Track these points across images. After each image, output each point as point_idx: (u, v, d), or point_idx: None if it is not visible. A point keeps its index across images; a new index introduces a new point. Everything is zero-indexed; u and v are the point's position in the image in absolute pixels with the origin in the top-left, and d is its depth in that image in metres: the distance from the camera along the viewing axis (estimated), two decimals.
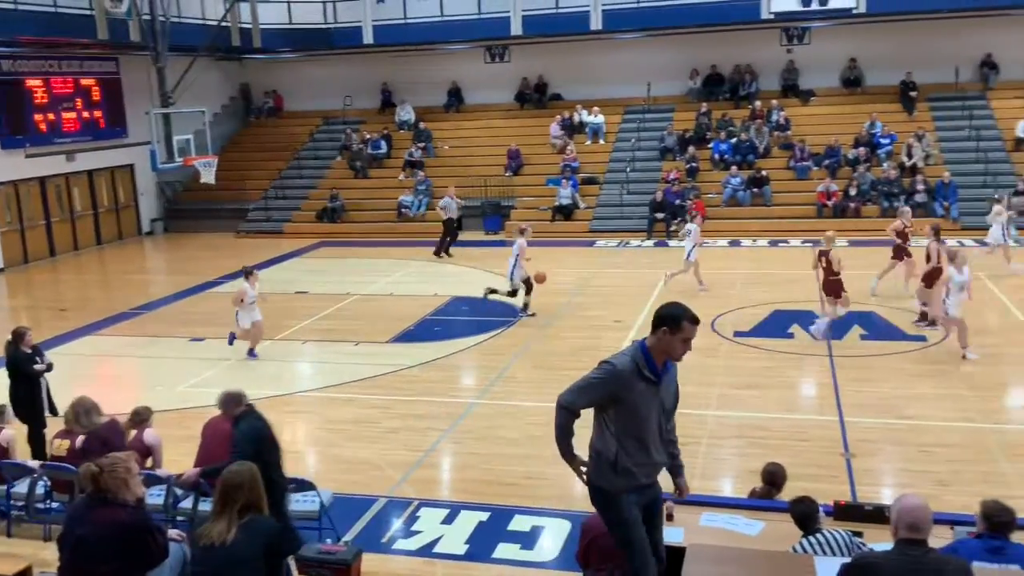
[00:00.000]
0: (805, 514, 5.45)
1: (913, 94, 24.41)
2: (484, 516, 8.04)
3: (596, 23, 24.90)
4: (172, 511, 7.42)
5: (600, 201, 23.97)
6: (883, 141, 23.29)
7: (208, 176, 22.30)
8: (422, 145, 26.53)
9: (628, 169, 24.67)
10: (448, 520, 8.02)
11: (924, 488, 8.13)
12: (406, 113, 28.10)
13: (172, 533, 5.87)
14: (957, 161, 22.55)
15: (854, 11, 22.76)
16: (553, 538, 7.64)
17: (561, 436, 4.98)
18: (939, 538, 4.85)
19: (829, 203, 21.89)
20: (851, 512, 5.82)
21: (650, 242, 21.98)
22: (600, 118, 26.05)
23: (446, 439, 10.02)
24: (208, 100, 25.75)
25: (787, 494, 6.94)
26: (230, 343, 13.30)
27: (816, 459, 8.95)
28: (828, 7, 22.82)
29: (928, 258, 13.26)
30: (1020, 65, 24.31)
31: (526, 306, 15.12)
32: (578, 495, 8.59)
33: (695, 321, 4.89)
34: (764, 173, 23.06)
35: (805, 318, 14.09)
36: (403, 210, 24.57)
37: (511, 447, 9.67)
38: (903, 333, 13.21)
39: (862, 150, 22.97)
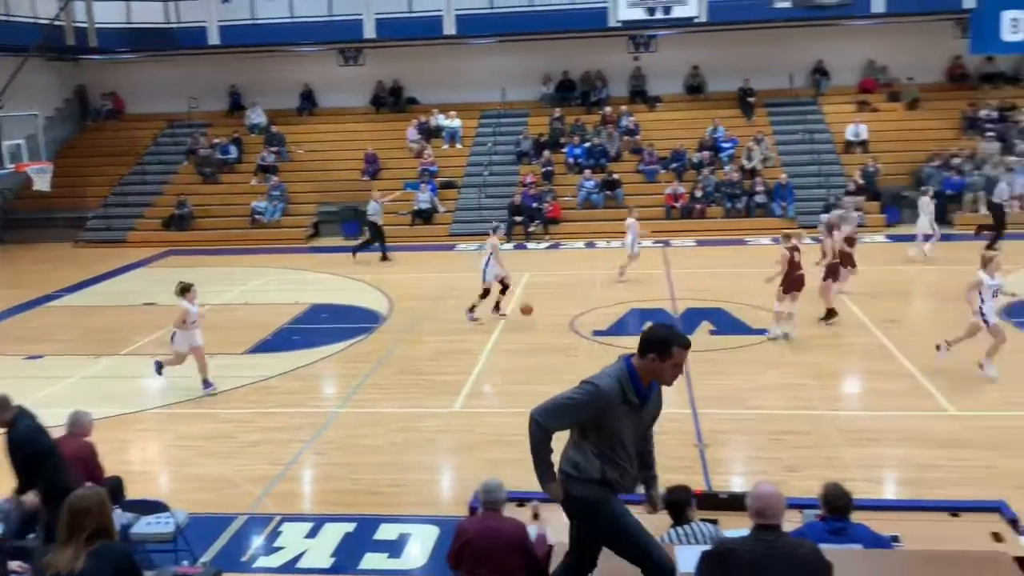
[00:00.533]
0: (676, 503, 5.63)
1: (751, 100, 25.71)
2: (350, 527, 7.91)
3: (450, 28, 24.99)
4: (14, 539, 6.92)
5: (459, 205, 24.06)
6: (725, 145, 24.42)
7: (42, 183, 20.93)
8: (275, 149, 25.87)
9: (486, 173, 24.88)
10: (312, 534, 7.84)
11: (774, 474, 8.56)
12: (257, 116, 27.31)
13: (13, 565, 5.48)
14: (793, 163, 23.92)
15: (696, 21, 23.75)
16: (421, 545, 7.59)
17: (537, 457, 4.67)
18: (790, 522, 5.11)
19: (677, 204, 22.76)
20: (707, 501, 6.05)
21: (509, 245, 22.18)
22: (457, 122, 26.14)
23: (308, 450, 9.80)
24: (41, 103, 24.18)
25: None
26: (158, 372, 11.71)
27: (672, 451, 9.24)
28: (671, 16, 23.71)
29: (824, 255, 13.88)
30: (848, 72, 26.04)
31: (498, 305, 14.88)
32: (444, 500, 8.63)
33: (686, 346, 4.62)
34: (616, 176, 23.75)
35: (660, 316, 14.58)
36: (257, 216, 23.88)
37: (375, 455, 9.55)
38: (749, 327, 13.87)
39: (706, 154, 24.02)
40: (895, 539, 5.33)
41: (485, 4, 24.85)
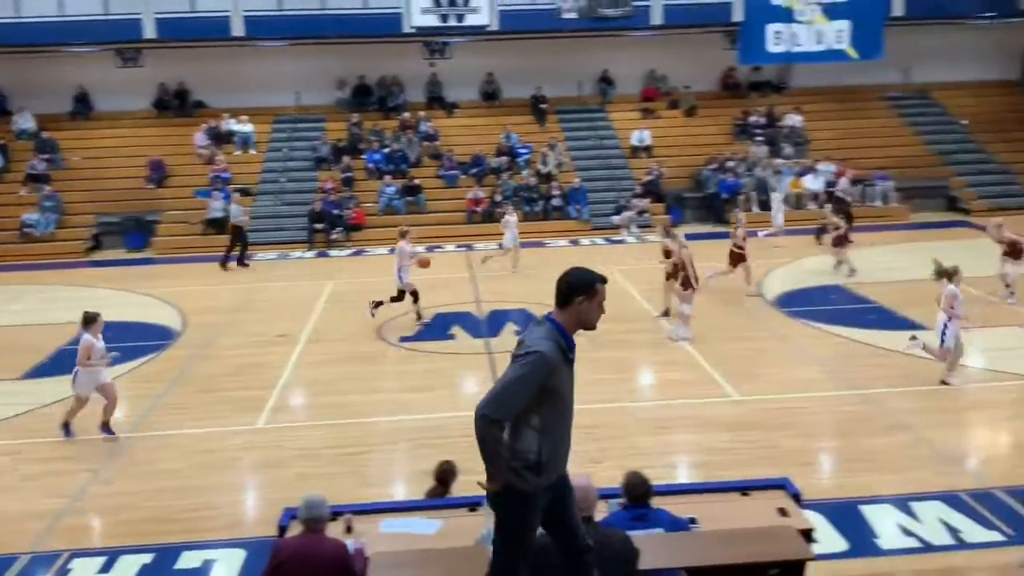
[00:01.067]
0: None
1: (544, 106, 26.51)
2: (147, 558, 7.42)
3: (238, 29, 24.08)
4: None
5: (254, 212, 23.16)
6: (521, 151, 25.04)
7: None
8: (47, 157, 23.90)
9: (282, 179, 24.17)
10: (106, 568, 7.31)
11: (580, 466, 8.77)
12: (25, 121, 25.12)
13: None
14: (585, 168, 24.89)
15: (488, 29, 24.23)
16: (227, 570, 7.25)
17: (495, 451, 4.36)
18: (598, 512, 5.30)
19: (478, 209, 23.08)
20: None
21: (311, 253, 21.72)
22: (249, 127, 25.23)
23: (96, 481, 9.12)
24: None
25: (460, 488, 7.22)
26: (67, 434, 10.10)
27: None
28: (465, 24, 24.07)
29: (667, 254, 14.30)
30: (631, 81, 27.38)
31: (419, 315, 14.61)
32: (252, 521, 8.28)
33: (605, 280, 4.57)
34: (417, 182, 23.77)
35: (464, 320, 14.74)
36: (27, 229, 21.95)
37: (173, 480, 9.02)
38: None
39: (504, 159, 24.53)
40: (693, 521, 5.63)
41: (274, 5, 24.15)
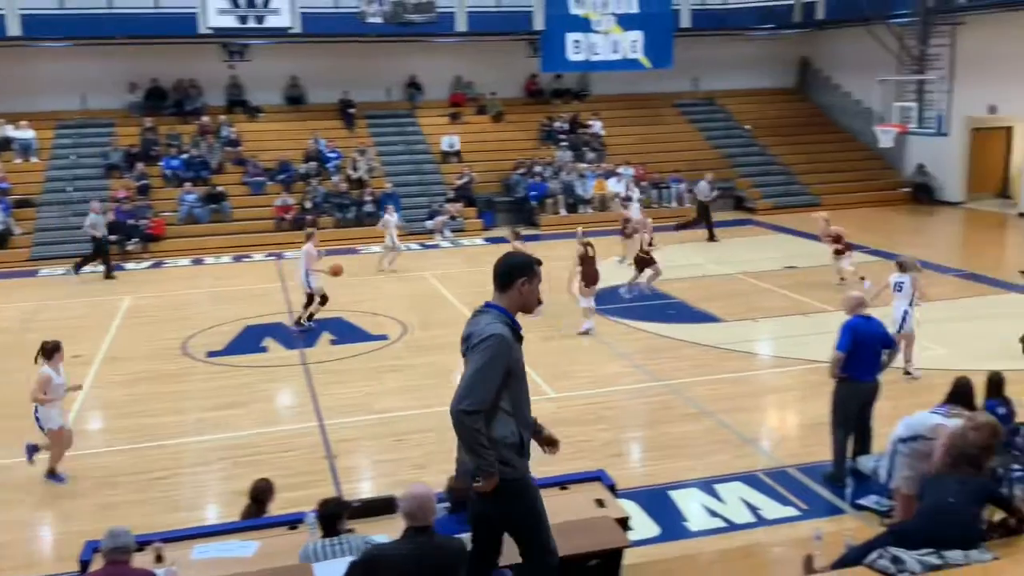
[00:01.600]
0: (332, 515, 5.52)
1: (352, 111, 26.19)
2: None
3: (14, 28, 22.23)
4: None
5: (39, 225, 21.51)
6: (331, 156, 24.60)
7: None
8: None
9: (69, 189, 22.52)
10: None
11: (403, 474, 8.81)
12: None
13: None
14: (397, 173, 24.80)
15: (291, 31, 23.64)
16: None
17: (479, 443, 4.27)
18: None
19: (287, 216, 22.47)
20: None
21: (104, 266, 20.31)
22: (30, 133, 23.33)
23: None
24: None
25: (279, 505, 7.01)
26: (30, 458, 9.00)
27: (303, 467, 9.14)
28: (265, 26, 23.37)
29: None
30: (439, 86, 27.56)
31: (311, 316, 14.31)
32: (49, 558, 7.65)
33: (540, 262, 4.67)
34: (220, 189, 22.83)
35: (277, 331, 14.30)
36: None
37: None
38: (368, 334, 14.11)
39: (312, 165, 24.01)
40: None
41: (55, 4, 22.48)
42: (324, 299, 14.39)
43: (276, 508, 6.87)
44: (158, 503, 8.48)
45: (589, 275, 13.61)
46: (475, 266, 18.75)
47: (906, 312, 11.08)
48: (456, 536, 4.75)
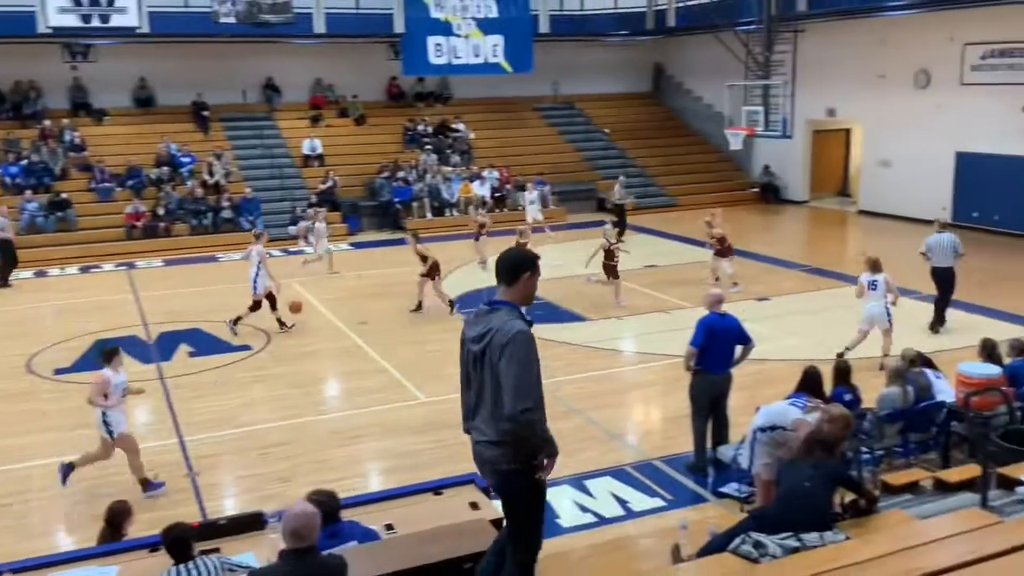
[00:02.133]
0: (179, 539, 5.26)
1: (206, 114, 25.29)
2: None
3: None
4: None
5: None
6: (184, 160, 23.68)
7: None
8: None
9: None
10: None
11: (269, 488, 8.58)
12: None
13: None
14: (256, 177, 24.10)
15: (138, 31, 22.60)
16: None
17: (547, 434, 4.53)
18: None
19: (139, 224, 21.49)
20: (207, 531, 5.82)
21: None
22: None
23: None
24: None
25: (141, 527, 6.69)
26: (64, 480, 8.53)
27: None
28: (110, 25, 22.25)
29: (423, 258, 14.84)
30: (298, 89, 26.98)
31: (281, 322, 14.04)
32: None
33: (539, 257, 4.85)
34: (65, 196, 21.58)
35: (128, 344, 13.62)
36: None
37: None
38: (228, 345, 13.65)
39: (165, 169, 23.04)
40: (389, 527, 5.67)
41: None
42: (256, 306, 13.99)
43: (135, 531, 6.55)
44: (8, 531, 7.95)
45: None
46: (340, 271, 18.49)
47: (888, 308, 11.72)
48: (334, 552, 4.64)
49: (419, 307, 15.21)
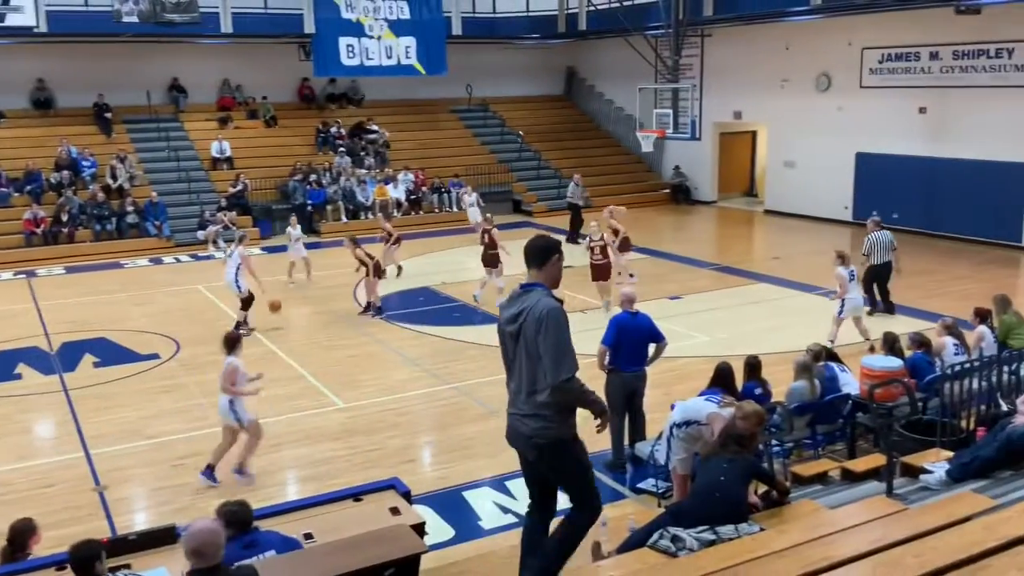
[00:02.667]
0: (84, 559, 5.05)
1: (109, 116, 24.46)
2: None
3: None
4: None
5: None
6: (85, 164, 22.85)
7: None
8: None
9: None
10: None
11: (182, 500, 8.34)
12: None
13: None
14: (162, 181, 23.42)
15: (35, 31, 21.70)
16: None
17: (591, 396, 4.90)
18: None
19: (38, 230, 20.64)
20: (117, 547, 5.61)
21: None
22: None
23: None
24: None
25: (47, 545, 6.43)
26: (211, 478, 8.65)
27: (68, 501, 8.43)
28: (6, 24, 21.30)
29: (363, 263, 14.90)
30: (205, 90, 26.34)
31: (244, 321, 13.86)
32: None
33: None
34: None
35: (29, 356, 13.10)
36: None
37: None
38: (136, 354, 13.22)
39: (65, 173, 22.20)
40: (308, 536, 5.57)
41: None
42: (249, 302, 14.10)
43: (41, 549, 6.28)
44: None
45: (488, 257, 15.37)
46: (265, 275, 18.03)
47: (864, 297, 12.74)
48: (246, 563, 4.54)
49: (370, 308, 15.10)
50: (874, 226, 14.14)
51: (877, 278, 14.08)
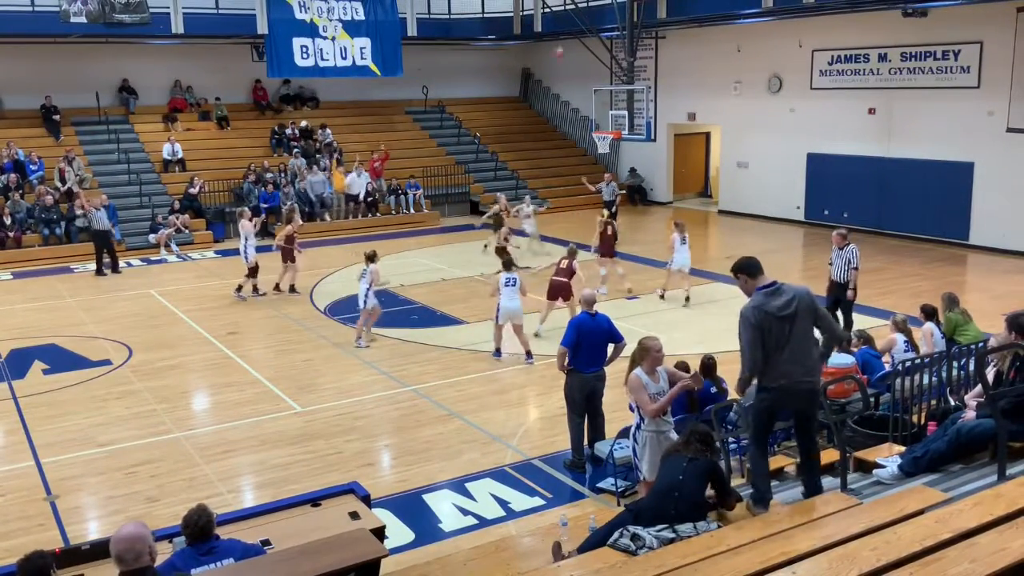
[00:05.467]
0: (34, 570, 4.93)
1: (56, 118, 23.97)
2: None
3: None
4: None
5: None
6: (32, 167, 22.35)
7: None
8: None
9: None
10: None
11: (135, 508, 8.19)
12: None
13: None
14: (113, 183, 22.98)
15: None
16: None
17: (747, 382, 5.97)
18: (162, 554, 4.93)
19: None
20: (69, 558, 5.50)
21: None
22: None
23: None
24: None
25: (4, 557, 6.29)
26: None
27: (19, 511, 8.24)
28: None
29: (288, 260, 16.43)
30: (156, 91, 25.92)
31: (255, 288, 16.28)
32: None
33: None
34: None
35: None
36: None
37: None
38: (88, 360, 12.96)
39: (12, 176, 21.70)
40: (266, 543, 5.51)
41: None
42: (254, 271, 16.18)
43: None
44: None
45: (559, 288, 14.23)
46: (206, 280, 17.86)
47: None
48: (202, 571, 4.46)
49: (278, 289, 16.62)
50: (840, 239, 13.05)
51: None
